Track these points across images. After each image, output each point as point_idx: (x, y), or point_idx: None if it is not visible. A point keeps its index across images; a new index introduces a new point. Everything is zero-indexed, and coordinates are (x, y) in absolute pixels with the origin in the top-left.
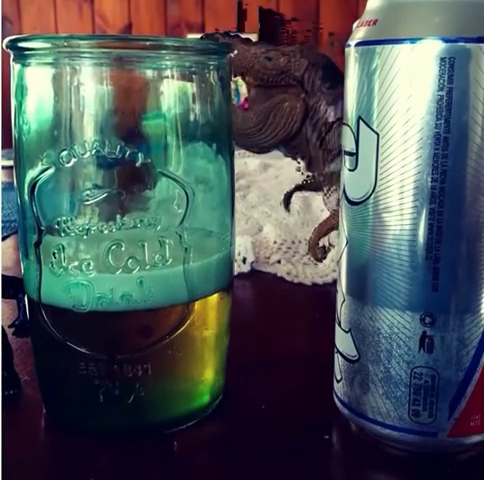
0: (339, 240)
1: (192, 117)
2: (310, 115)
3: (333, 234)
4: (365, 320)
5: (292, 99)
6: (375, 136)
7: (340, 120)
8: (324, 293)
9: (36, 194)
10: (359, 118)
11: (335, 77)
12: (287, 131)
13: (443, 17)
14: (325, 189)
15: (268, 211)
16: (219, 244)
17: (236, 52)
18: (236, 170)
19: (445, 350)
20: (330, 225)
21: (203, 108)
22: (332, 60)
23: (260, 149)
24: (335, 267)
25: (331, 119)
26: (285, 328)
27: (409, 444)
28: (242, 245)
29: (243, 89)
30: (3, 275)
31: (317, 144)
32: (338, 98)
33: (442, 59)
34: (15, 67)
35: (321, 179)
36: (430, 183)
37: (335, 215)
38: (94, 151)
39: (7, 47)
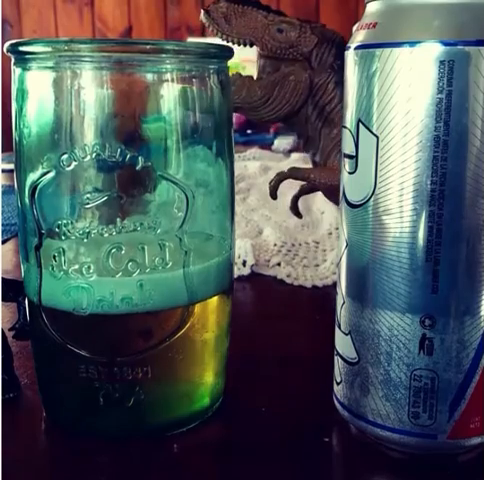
0: (339, 243)
1: (192, 120)
2: (313, 93)
3: (334, 237)
4: (365, 322)
5: (298, 73)
6: (375, 139)
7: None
8: (324, 295)
9: (37, 197)
10: (359, 121)
11: None
12: (291, 105)
13: (442, 20)
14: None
15: (268, 214)
16: (219, 247)
17: (250, 18)
18: (236, 173)
19: (445, 352)
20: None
21: (203, 111)
22: (345, 40)
23: (264, 122)
24: (335, 269)
25: (337, 99)
26: (285, 330)
27: (409, 446)
28: (242, 248)
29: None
30: (3, 278)
31: (316, 123)
32: None
33: (441, 62)
34: (16, 71)
35: (317, 159)
36: (430, 186)
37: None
38: (94, 154)
39: (8, 51)
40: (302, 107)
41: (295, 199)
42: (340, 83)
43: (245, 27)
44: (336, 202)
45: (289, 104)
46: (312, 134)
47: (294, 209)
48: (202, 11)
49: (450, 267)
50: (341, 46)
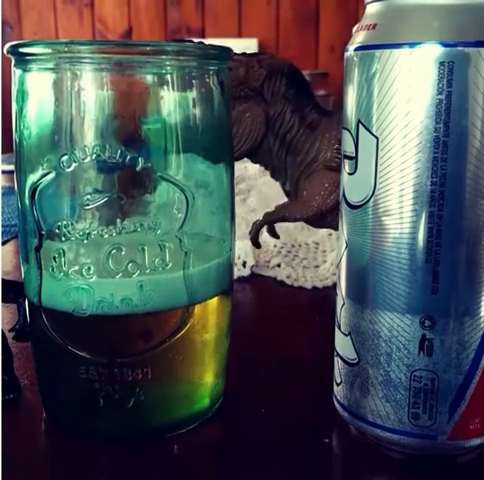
0: (339, 243)
1: (192, 122)
2: (271, 124)
3: (334, 238)
4: (365, 323)
5: (253, 108)
6: (374, 140)
7: (304, 126)
8: (324, 296)
9: (37, 198)
10: (358, 122)
11: (300, 84)
12: (252, 140)
13: (442, 21)
14: (293, 196)
15: None
16: (219, 248)
17: None
18: (236, 174)
19: (445, 353)
20: (280, 216)
21: (203, 113)
22: (295, 67)
23: None
24: (335, 270)
25: (296, 126)
26: (285, 331)
27: (409, 447)
28: (242, 249)
29: None
30: (3, 279)
31: (280, 153)
32: (303, 104)
33: (441, 63)
34: (16, 72)
35: (287, 188)
36: (429, 186)
37: (289, 208)
38: (95, 156)
39: (8, 52)
40: (263, 140)
41: (257, 229)
42: (296, 111)
43: None
44: (315, 226)
45: (250, 140)
46: (278, 164)
47: (254, 239)
48: None
49: (450, 268)
50: (291, 74)
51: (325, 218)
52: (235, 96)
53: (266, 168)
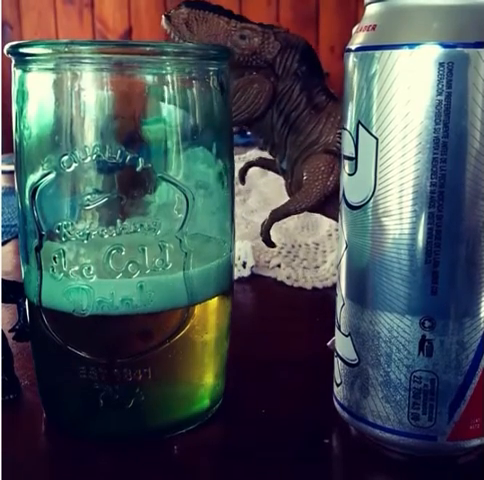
0: (338, 244)
1: (192, 122)
2: (278, 100)
3: (333, 238)
4: (365, 324)
5: (261, 81)
6: (374, 141)
7: (310, 107)
8: (324, 297)
9: (37, 199)
10: (358, 123)
11: (313, 63)
12: (250, 113)
13: (441, 22)
14: (288, 175)
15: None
16: (219, 248)
17: (211, 25)
18: (236, 174)
19: (444, 354)
20: (285, 211)
21: (203, 113)
22: (310, 45)
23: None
24: (335, 271)
25: (302, 105)
26: (285, 332)
27: (409, 448)
28: (242, 249)
29: None
30: (3, 279)
31: (282, 131)
32: (312, 84)
33: (440, 64)
34: (16, 72)
35: (284, 166)
36: (429, 187)
37: (293, 201)
38: (95, 156)
39: (8, 53)
40: (263, 115)
41: (267, 228)
42: (305, 89)
43: (207, 34)
44: (312, 210)
45: (247, 112)
46: (278, 141)
47: (266, 239)
48: (163, 17)
49: (449, 269)
50: (305, 52)
51: (330, 203)
52: (246, 65)
53: (266, 143)
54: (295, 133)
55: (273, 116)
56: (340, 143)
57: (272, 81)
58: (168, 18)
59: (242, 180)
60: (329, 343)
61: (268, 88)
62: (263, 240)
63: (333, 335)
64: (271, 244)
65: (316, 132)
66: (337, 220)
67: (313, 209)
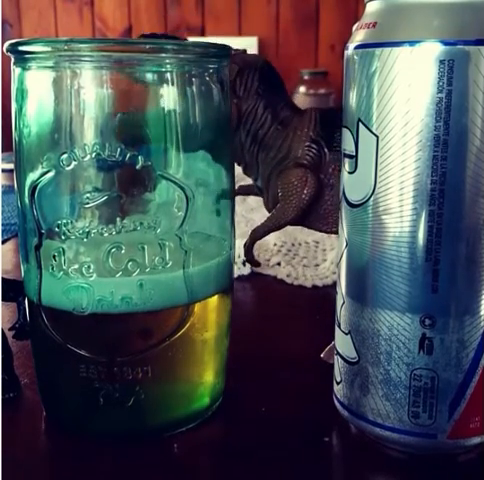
0: (339, 242)
1: (192, 120)
2: (243, 120)
3: (333, 237)
4: (365, 322)
5: None
6: (374, 138)
7: (276, 123)
8: (324, 295)
9: (36, 197)
10: (358, 120)
11: (273, 80)
12: None
13: (442, 20)
14: (264, 192)
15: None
16: (219, 247)
17: None
18: (236, 172)
19: (445, 352)
20: (266, 228)
21: (203, 110)
22: (269, 63)
23: None
24: (335, 269)
25: (268, 122)
26: (285, 330)
27: (409, 446)
28: (242, 247)
29: None
30: (3, 278)
31: (252, 149)
32: (275, 101)
33: (441, 61)
34: (16, 70)
35: (259, 184)
36: (429, 185)
37: (271, 218)
38: (94, 154)
39: (8, 51)
40: (234, 135)
41: (249, 248)
42: (268, 107)
43: None
44: (306, 225)
45: None
46: (249, 160)
47: (249, 257)
48: None
49: (450, 267)
50: (264, 70)
51: (311, 215)
52: None
53: (239, 164)
54: (264, 150)
55: (241, 136)
56: (309, 156)
57: (235, 102)
58: None
59: (253, 262)
60: (323, 355)
61: (232, 109)
62: (247, 261)
63: (332, 335)
64: (256, 263)
65: (285, 147)
66: (320, 231)
67: (293, 223)
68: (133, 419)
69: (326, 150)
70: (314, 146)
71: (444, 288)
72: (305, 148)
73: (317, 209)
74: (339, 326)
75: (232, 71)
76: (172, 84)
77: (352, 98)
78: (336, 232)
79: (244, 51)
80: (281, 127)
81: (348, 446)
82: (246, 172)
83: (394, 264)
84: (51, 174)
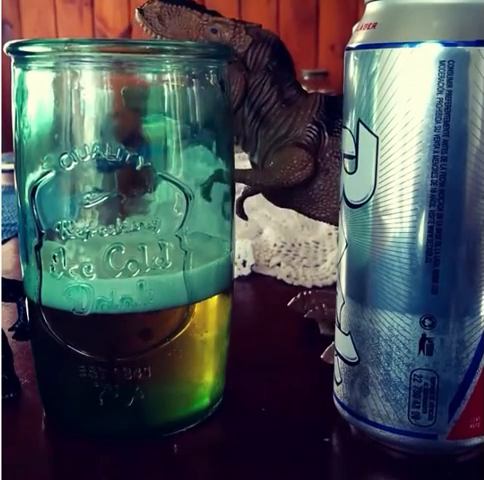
0: (339, 243)
1: (192, 120)
2: (249, 94)
3: (334, 237)
4: (365, 322)
5: (233, 74)
6: (374, 139)
7: (281, 101)
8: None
9: (36, 197)
10: (358, 121)
11: (284, 58)
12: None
13: (442, 21)
14: (259, 168)
15: (268, 214)
16: (219, 247)
17: (183, 19)
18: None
19: (445, 352)
20: (242, 176)
21: (203, 111)
22: (281, 41)
23: None
24: (335, 270)
25: (273, 99)
26: (285, 331)
27: (409, 446)
28: (242, 248)
29: None
30: (3, 278)
31: (253, 124)
32: (283, 79)
33: (441, 62)
34: (16, 71)
35: (254, 160)
36: (430, 186)
37: (252, 173)
38: (94, 154)
39: (8, 51)
40: (239, 108)
41: (239, 202)
42: (276, 84)
43: (179, 27)
44: (277, 204)
45: None
46: (249, 135)
47: (239, 211)
48: (136, 11)
49: (450, 267)
50: (277, 46)
51: (287, 196)
52: None
53: (237, 137)
54: (265, 127)
55: (244, 110)
56: (309, 137)
57: (244, 74)
58: (141, 12)
59: (242, 213)
60: (322, 356)
61: (240, 80)
62: (237, 213)
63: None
64: (244, 217)
65: (286, 126)
66: (309, 215)
67: (268, 193)
68: (133, 419)
69: (326, 134)
70: (315, 128)
71: (444, 289)
72: (306, 129)
73: (308, 192)
74: (339, 327)
75: (245, 43)
76: (172, 84)
77: (352, 99)
78: (325, 218)
79: (259, 25)
80: (285, 105)
81: (348, 447)
82: (244, 147)
83: (394, 265)
84: (51, 174)
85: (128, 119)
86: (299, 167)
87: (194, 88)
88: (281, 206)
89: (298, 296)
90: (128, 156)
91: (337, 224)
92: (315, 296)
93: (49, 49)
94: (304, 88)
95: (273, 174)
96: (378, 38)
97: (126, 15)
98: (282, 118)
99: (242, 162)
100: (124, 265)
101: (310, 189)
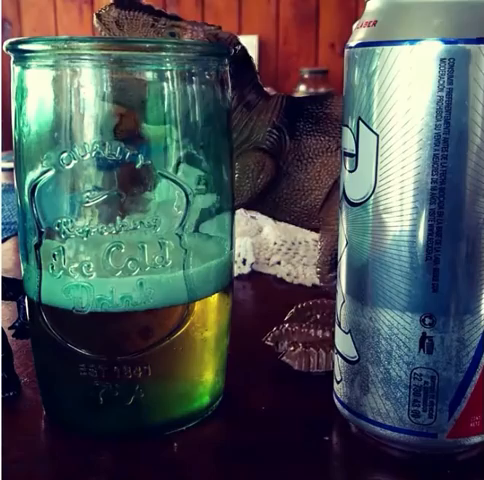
0: (339, 241)
1: (192, 118)
2: None
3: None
4: (365, 321)
5: None
6: (375, 137)
7: (242, 104)
8: (324, 294)
9: (36, 196)
10: (359, 119)
11: (245, 60)
12: None
13: (443, 18)
14: None
15: None
16: (219, 245)
17: (140, 23)
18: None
19: (445, 351)
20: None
21: (203, 109)
22: (241, 43)
23: None
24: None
25: (233, 104)
26: None
27: (409, 445)
28: (242, 246)
29: None
30: (3, 277)
31: None
32: (244, 82)
33: (442, 60)
34: (15, 69)
35: None
36: (430, 184)
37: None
38: (94, 153)
39: (7, 49)
40: None
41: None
42: (236, 87)
43: (137, 32)
44: (245, 207)
45: None
46: None
47: None
48: (94, 16)
49: (450, 266)
50: (237, 50)
51: (267, 202)
52: None
53: None
54: None
55: None
56: (270, 141)
57: None
58: (99, 17)
59: None
60: (281, 356)
61: None
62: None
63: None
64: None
65: (247, 130)
66: (274, 219)
67: (247, 207)
68: (133, 418)
69: (288, 137)
70: (275, 132)
71: (444, 287)
72: (267, 133)
73: (272, 196)
74: (339, 325)
75: None
76: (172, 83)
77: (352, 97)
78: (289, 222)
79: (219, 27)
80: (246, 109)
81: (348, 445)
82: None
83: (394, 263)
84: (51, 173)
85: (128, 117)
86: (259, 169)
87: (194, 86)
88: (247, 209)
89: (275, 330)
90: (128, 154)
91: (301, 226)
92: (292, 333)
93: (49, 47)
94: (304, 87)
95: (241, 189)
96: (378, 36)
97: None
98: (243, 122)
99: None
100: (124, 264)
101: (274, 193)
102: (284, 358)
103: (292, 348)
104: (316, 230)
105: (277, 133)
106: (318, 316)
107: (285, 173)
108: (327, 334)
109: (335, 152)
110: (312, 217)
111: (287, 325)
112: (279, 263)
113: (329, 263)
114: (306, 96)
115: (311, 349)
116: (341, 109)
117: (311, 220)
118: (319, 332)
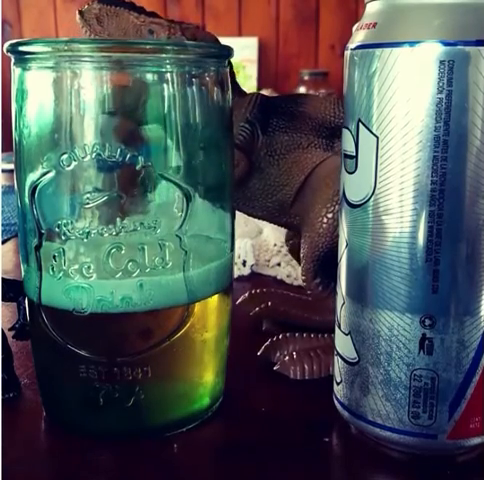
0: (339, 243)
1: (192, 120)
2: None
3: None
4: (365, 322)
5: None
6: (375, 139)
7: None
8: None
9: (36, 197)
10: (359, 121)
11: None
12: None
13: (442, 20)
14: None
15: None
16: (219, 247)
17: (120, 20)
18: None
19: (445, 352)
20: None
21: (203, 111)
22: (219, 41)
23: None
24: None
25: None
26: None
27: (409, 446)
28: (242, 248)
29: None
30: (3, 278)
31: None
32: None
33: (441, 62)
34: (16, 71)
35: None
36: (430, 185)
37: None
38: (94, 154)
39: (8, 51)
40: None
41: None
42: None
43: (117, 28)
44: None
45: None
46: None
47: None
48: (77, 12)
49: (450, 267)
50: None
51: (239, 197)
52: None
53: None
54: None
55: None
56: (242, 135)
57: None
58: (81, 13)
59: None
60: (260, 352)
61: None
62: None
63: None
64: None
65: None
66: (247, 214)
67: None
68: (133, 419)
69: (260, 132)
70: (248, 127)
71: (444, 288)
72: (239, 128)
73: (244, 191)
74: (339, 326)
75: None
76: (172, 84)
77: (352, 98)
78: (262, 217)
79: (197, 26)
80: None
81: (348, 446)
82: None
83: (394, 264)
84: (51, 174)
85: (128, 119)
86: (233, 165)
87: (194, 88)
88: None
89: (268, 343)
90: (128, 156)
91: (273, 222)
92: (285, 342)
93: (49, 49)
94: (304, 88)
95: None
96: (378, 38)
97: None
98: None
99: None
100: (124, 265)
101: (246, 188)
102: (278, 368)
103: (287, 358)
104: (288, 227)
105: (250, 128)
106: (269, 303)
107: (257, 168)
108: (321, 341)
109: (307, 149)
110: (283, 213)
111: (280, 335)
112: (279, 265)
113: (312, 270)
114: (281, 95)
115: (305, 357)
116: (314, 107)
117: (282, 216)
118: (313, 339)
